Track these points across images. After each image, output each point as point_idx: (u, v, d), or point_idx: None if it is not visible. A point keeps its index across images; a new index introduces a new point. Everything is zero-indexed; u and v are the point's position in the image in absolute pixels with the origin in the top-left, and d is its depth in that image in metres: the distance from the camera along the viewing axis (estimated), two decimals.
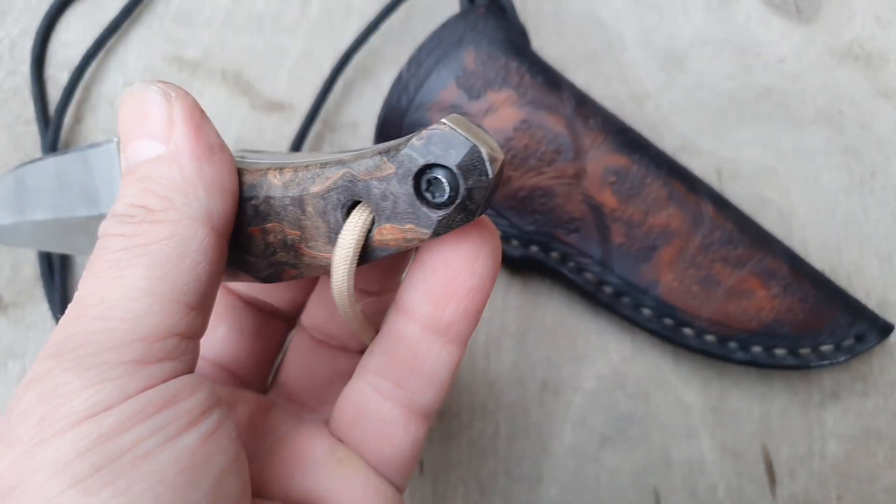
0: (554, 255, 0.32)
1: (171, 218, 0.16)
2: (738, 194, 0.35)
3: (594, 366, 0.32)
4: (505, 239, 0.32)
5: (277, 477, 0.20)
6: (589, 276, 0.32)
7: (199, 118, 0.17)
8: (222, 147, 0.17)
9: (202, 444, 0.15)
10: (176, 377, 0.15)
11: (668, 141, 0.36)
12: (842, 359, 0.30)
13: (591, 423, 0.32)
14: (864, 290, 0.33)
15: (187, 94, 0.17)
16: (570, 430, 0.31)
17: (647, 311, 0.31)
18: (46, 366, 0.14)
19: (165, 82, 0.17)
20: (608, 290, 0.32)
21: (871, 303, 0.33)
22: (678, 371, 0.32)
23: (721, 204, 0.32)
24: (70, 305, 0.15)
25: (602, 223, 0.31)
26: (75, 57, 0.37)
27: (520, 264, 0.32)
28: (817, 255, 0.34)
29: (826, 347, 0.30)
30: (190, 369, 0.16)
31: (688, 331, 0.31)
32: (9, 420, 0.14)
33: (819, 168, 0.35)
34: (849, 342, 0.30)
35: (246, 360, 0.23)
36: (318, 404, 0.23)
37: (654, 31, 0.38)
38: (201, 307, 0.16)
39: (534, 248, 0.32)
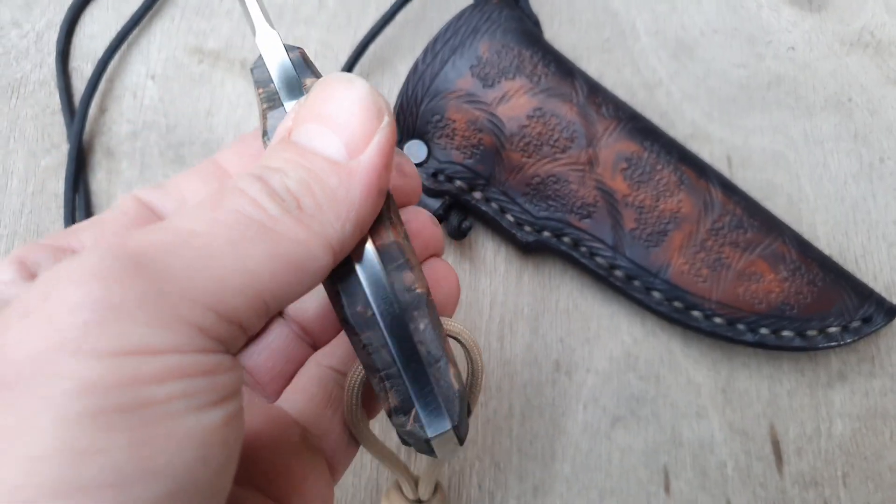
0: (566, 240, 0.33)
1: (313, 228, 0.15)
2: (748, 180, 0.35)
3: (606, 347, 0.33)
4: (518, 224, 0.33)
5: (254, 455, 0.19)
6: (601, 260, 0.32)
7: (391, 159, 0.16)
8: (384, 197, 0.17)
9: (224, 425, 0.14)
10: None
11: (679, 128, 0.36)
12: (849, 340, 0.31)
13: (603, 403, 0.32)
14: (872, 274, 0.34)
15: (395, 128, 0.17)
16: (582, 409, 0.32)
17: (657, 295, 0.32)
18: (112, 268, 0.13)
19: (386, 101, 0.17)
20: (620, 273, 0.32)
21: (879, 286, 0.34)
22: (688, 352, 0.33)
23: (730, 189, 0.33)
24: (164, 223, 0.14)
25: (614, 209, 0.32)
26: (99, 49, 0.38)
27: (533, 248, 0.33)
28: (826, 240, 0.34)
29: (833, 329, 0.31)
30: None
31: (697, 313, 0.32)
32: (47, 294, 0.13)
33: (828, 154, 0.36)
34: (856, 324, 0.31)
35: None
36: (272, 392, 0.22)
37: (665, 19, 0.38)
38: (272, 314, 0.15)
39: (546, 234, 0.33)
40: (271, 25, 0.19)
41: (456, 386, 0.18)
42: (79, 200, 0.35)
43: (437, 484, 0.25)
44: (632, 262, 0.32)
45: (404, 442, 0.20)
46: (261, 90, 0.19)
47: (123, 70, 0.38)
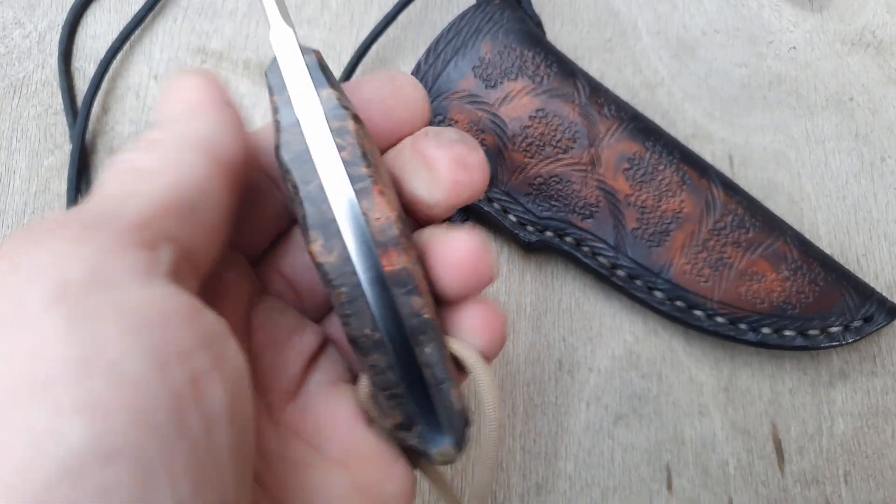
0: (569, 239, 0.33)
1: (166, 142, 0.17)
2: (750, 179, 0.35)
3: (608, 346, 0.33)
4: (521, 224, 0.33)
5: (309, 415, 0.20)
6: (603, 259, 0.33)
7: (216, 83, 0.19)
8: (230, 104, 0.19)
9: (173, 294, 0.15)
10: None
11: (680, 128, 0.36)
12: (850, 339, 0.31)
13: (605, 402, 0.33)
14: (874, 273, 0.34)
15: (215, 73, 0.19)
16: (585, 408, 0.33)
17: (659, 294, 0.32)
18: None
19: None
20: (622, 273, 0.32)
21: (880, 285, 0.34)
22: (690, 351, 0.33)
23: (732, 189, 0.33)
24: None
25: (616, 209, 0.32)
26: (102, 49, 0.38)
27: (535, 248, 0.33)
28: (827, 239, 0.35)
29: (835, 329, 0.31)
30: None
31: (699, 313, 0.32)
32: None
33: (830, 153, 0.36)
34: (857, 323, 0.31)
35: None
36: None
37: (667, 19, 0.38)
38: (189, 227, 0.17)
39: (549, 234, 0.33)
40: (288, 21, 0.19)
41: (458, 406, 0.19)
42: (82, 200, 0.35)
43: None
44: (634, 262, 0.32)
45: (403, 449, 0.20)
46: (274, 98, 0.18)
47: (126, 70, 0.38)
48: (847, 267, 0.33)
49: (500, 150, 0.33)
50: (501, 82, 0.33)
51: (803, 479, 0.31)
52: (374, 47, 0.37)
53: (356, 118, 0.19)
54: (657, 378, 0.33)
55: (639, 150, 0.32)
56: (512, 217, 0.33)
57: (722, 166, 0.35)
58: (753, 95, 0.37)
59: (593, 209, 0.32)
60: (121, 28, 0.38)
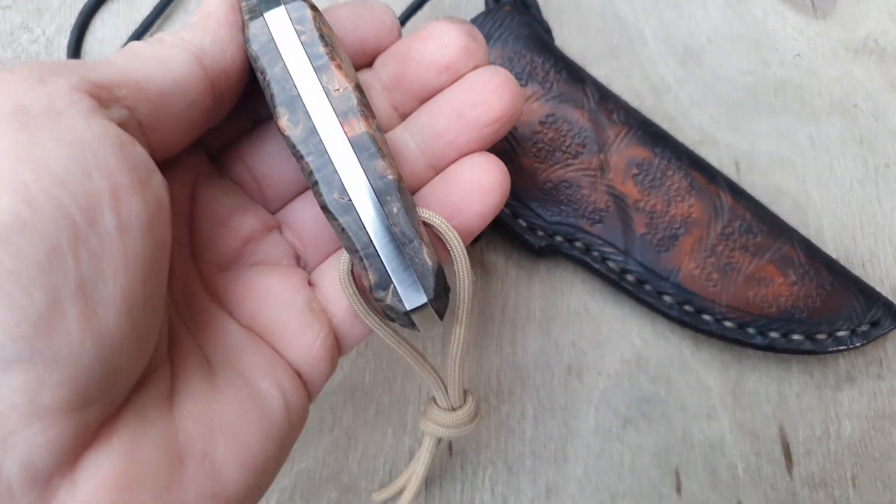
0: (578, 244, 0.33)
1: (172, 42, 0.20)
2: (756, 185, 0.36)
3: (617, 350, 0.34)
4: (530, 229, 0.33)
5: (250, 290, 0.23)
6: (612, 264, 0.33)
7: (234, 4, 0.21)
8: (240, 27, 0.21)
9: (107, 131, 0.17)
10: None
11: (687, 133, 0.37)
12: (857, 344, 0.31)
13: (614, 405, 0.33)
14: (879, 277, 0.34)
15: None
16: (594, 412, 0.33)
17: (668, 298, 0.32)
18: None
19: None
20: (631, 277, 0.33)
21: (886, 289, 0.34)
22: (698, 355, 0.33)
23: (739, 194, 0.33)
24: None
25: (625, 213, 0.33)
26: (110, 53, 0.38)
27: (544, 253, 0.34)
28: (833, 244, 0.35)
29: (842, 333, 0.32)
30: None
31: (707, 317, 0.32)
32: None
33: (834, 159, 0.36)
34: (864, 327, 0.32)
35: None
36: (314, 257, 0.25)
37: (673, 27, 0.39)
38: (151, 107, 0.19)
39: (558, 239, 0.33)
40: None
41: (430, 263, 0.20)
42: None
43: (465, 391, 0.27)
44: (643, 267, 0.32)
45: (388, 318, 0.22)
46: (243, 3, 0.21)
47: None
48: (853, 271, 0.33)
49: (510, 155, 0.33)
50: None
51: (811, 482, 0.32)
52: None
53: (313, 7, 0.21)
54: (665, 382, 0.33)
55: (647, 156, 0.33)
56: (522, 222, 0.33)
57: (728, 172, 0.36)
58: (759, 101, 0.37)
59: (602, 214, 0.33)
60: (129, 33, 0.38)
